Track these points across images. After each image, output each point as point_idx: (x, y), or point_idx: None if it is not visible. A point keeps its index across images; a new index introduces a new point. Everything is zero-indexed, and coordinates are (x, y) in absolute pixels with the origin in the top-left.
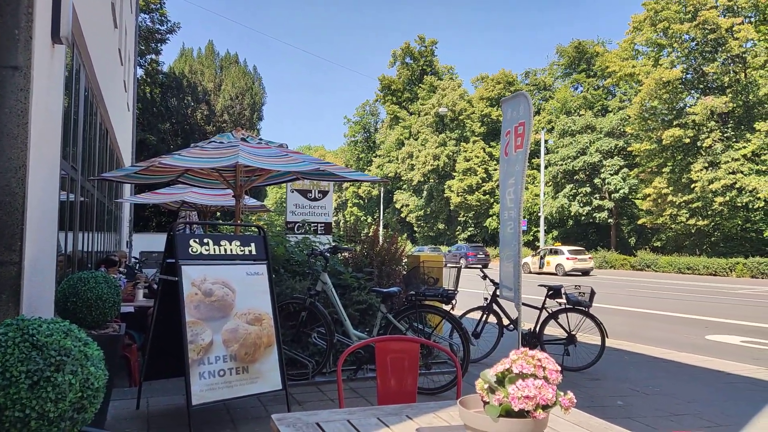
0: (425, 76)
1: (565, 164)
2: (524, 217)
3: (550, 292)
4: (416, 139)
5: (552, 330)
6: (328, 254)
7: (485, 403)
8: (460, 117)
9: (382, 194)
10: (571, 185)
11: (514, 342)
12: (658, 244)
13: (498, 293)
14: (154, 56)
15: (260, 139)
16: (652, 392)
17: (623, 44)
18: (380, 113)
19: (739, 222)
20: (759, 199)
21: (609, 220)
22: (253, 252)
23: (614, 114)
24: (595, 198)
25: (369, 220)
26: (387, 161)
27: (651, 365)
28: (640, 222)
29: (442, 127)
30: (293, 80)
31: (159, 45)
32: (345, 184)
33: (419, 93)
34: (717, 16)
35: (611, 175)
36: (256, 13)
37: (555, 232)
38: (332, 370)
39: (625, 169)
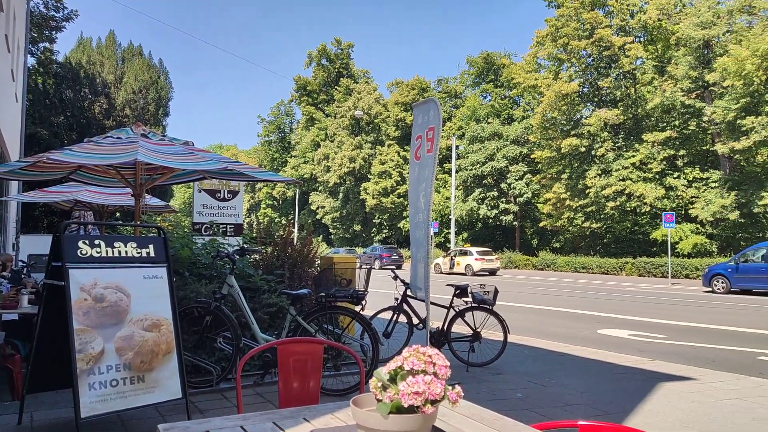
0: (341, 79)
1: (475, 169)
2: (436, 220)
3: (458, 292)
4: (332, 141)
5: (459, 328)
6: (236, 256)
7: (379, 401)
8: (375, 120)
9: (297, 196)
10: (480, 189)
11: (424, 340)
12: (558, 245)
13: (408, 293)
14: (48, 45)
15: (163, 136)
16: (548, 384)
17: (527, 58)
18: (296, 114)
19: (628, 225)
20: (645, 204)
21: (514, 223)
22: (152, 254)
23: (519, 123)
24: (502, 202)
25: (283, 222)
26: (302, 162)
27: (548, 359)
28: (541, 225)
29: (358, 130)
30: (205, 78)
31: (54, 33)
32: (258, 185)
33: (335, 95)
34: (611, 34)
35: (516, 180)
36: (166, 6)
37: (465, 234)
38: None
39: (529, 175)
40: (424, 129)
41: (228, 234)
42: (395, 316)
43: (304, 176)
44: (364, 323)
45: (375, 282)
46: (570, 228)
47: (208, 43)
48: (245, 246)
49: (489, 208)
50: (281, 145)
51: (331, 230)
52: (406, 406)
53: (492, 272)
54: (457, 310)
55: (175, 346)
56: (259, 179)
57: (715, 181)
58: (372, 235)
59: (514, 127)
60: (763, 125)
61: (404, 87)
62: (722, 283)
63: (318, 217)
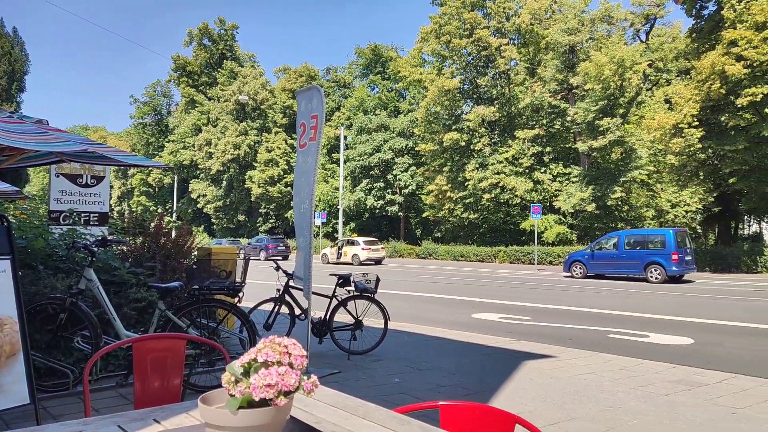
0: (225, 61)
1: (362, 160)
2: (324, 210)
3: (340, 281)
4: (215, 126)
5: (342, 317)
6: (96, 248)
7: (232, 396)
8: (262, 106)
9: (175, 183)
10: (368, 180)
11: (306, 331)
12: (439, 234)
13: (292, 284)
14: None
15: (12, 113)
16: (425, 368)
17: (413, 52)
18: (174, 95)
19: (502, 216)
20: (516, 196)
21: (399, 214)
22: None
23: (405, 116)
24: (388, 193)
25: (159, 211)
26: (182, 147)
27: (426, 343)
28: (424, 215)
29: (244, 116)
30: (71, 52)
31: None
32: (131, 171)
33: (219, 78)
34: (489, 35)
35: (402, 172)
36: None
37: (353, 224)
38: (99, 376)
39: (414, 167)
40: (308, 116)
41: (92, 223)
42: (277, 307)
43: (184, 162)
44: (241, 316)
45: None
46: (450, 218)
47: (73, 14)
48: (107, 237)
49: (376, 198)
50: (157, 128)
51: (213, 220)
52: (257, 399)
53: (378, 261)
54: (340, 299)
55: (21, 347)
56: (126, 164)
57: (576, 176)
58: (257, 225)
59: (400, 119)
60: (617, 126)
61: (292, 74)
62: (580, 268)
63: (199, 206)
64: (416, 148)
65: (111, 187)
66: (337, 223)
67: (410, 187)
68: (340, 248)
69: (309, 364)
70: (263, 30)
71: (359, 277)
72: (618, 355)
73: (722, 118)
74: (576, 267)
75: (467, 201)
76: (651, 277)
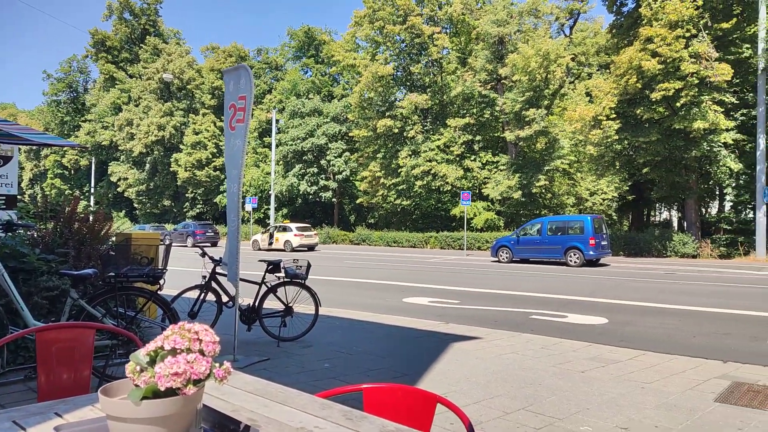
0: (148, 37)
1: (295, 145)
2: (255, 195)
3: (270, 267)
4: (137, 106)
5: (272, 303)
6: (1, 232)
7: (137, 386)
8: (188, 86)
9: (93, 165)
10: (301, 165)
11: (233, 319)
12: (373, 220)
13: (218, 270)
14: None
15: None
16: (355, 352)
17: (347, 36)
18: (92, 72)
19: (433, 202)
20: (448, 183)
21: (333, 200)
22: None
23: (339, 101)
24: (322, 178)
25: (76, 194)
26: (100, 127)
27: (357, 328)
28: (358, 201)
29: (169, 96)
30: None
31: None
32: (45, 151)
33: (141, 54)
34: (422, 23)
35: (335, 157)
36: None
37: (285, 210)
38: (6, 369)
39: (347, 153)
40: (236, 97)
41: None
42: (203, 294)
43: (103, 143)
44: (162, 304)
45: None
46: (384, 205)
47: None
48: (12, 221)
49: (309, 184)
50: (73, 106)
51: (136, 205)
52: (163, 389)
53: (311, 248)
54: (269, 286)
55: None
56: (37, 143)
57: (504, 165)
58: (184, 210)
59: (334, 104)
60: (542, 116)
61: (220, 53)
62: (506, 253)
63: (120, 190)
64: (350, 134)
65: (21, 168)
66: (268, 209)
67: (344, 173)
68: (271, 234)
69: (237, 352)
70: (190, 6)
71: (290, 263)
72: (539, 335)
73: (638, 111)
74: (503, 252)
75: (400, 188)
76: (570, 261)
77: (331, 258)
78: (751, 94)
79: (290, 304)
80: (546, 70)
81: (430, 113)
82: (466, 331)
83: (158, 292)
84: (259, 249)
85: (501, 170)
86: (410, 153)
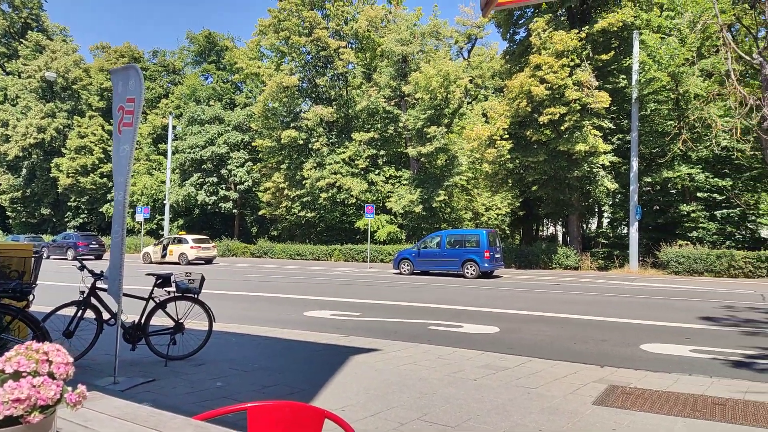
0: (30, 32)
1: (194, 153)
2: (148, 204)
3: (159, 281)
4: (14, 105)
5: (161, 320)
6: None
7: None
8: (74, 86)
9: None
10: (199, 174)
11: (116, 337)
12: (276, 233)
13: (100, 284)
14: None
15: None
16: (251, 369)
17: (250, 44)
18: None
19: (338, 215)
20: (352, 196)
21: (234, 211)
22: None
23: (241, 109)
24: (222, 188)
25: None
26: None
27: (255, 344)
28: (261, 213)
29: (51, 96)
30: None
31: None
32: None
33: (21, 50)
34: (327, 36)
35: (237, 167)
36: None
37: (181, 221)
38: None
39: (250, 163)
40: (124, 99)
41: None
42: (80, 311)
43: None
44: (30, 322)
45: (67, 274)
46: (288, 216)
47: None
48: None
49: (208, 194)
50: None
51: (9, 213)
52: (1, 417)
53: (208, 261)
54: (158, 301)
55: None
56: None
57: (406, 179)
58: (66, 220)
59: (237, 113)
60: (442, 134)
61: (112, 53)
62: (407, 266)
63: None
64: (253, 144)
65: None
66: (162, 220)
67: (246, 184)
68: (165, 246)
69: (119, 374)
70: (80, 2)
71: (181, 277)
72: (436, 345)
73: (528, 133)
74: (404, 264)
75: (305, 199)
76: (467, 273)
77: (230, 271)
78: (626, 121)
79: (181, 321)
80: (446, 90)
81: (336, 126)
82: (366, 343)
83: (26, 309)
84: (151, 262)
85: (404, 185)
86: (315, 165)
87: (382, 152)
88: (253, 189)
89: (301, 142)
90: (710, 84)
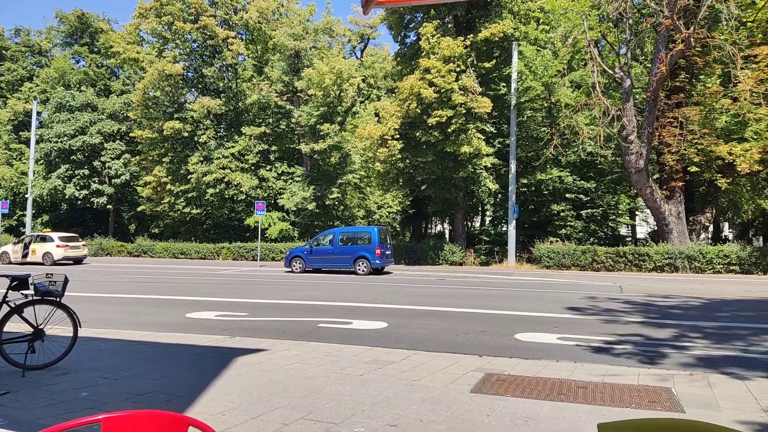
0: None
1: (62, 142)
2: (6, 198)
3: (14, 283)
4: None
5: (17, 326)
6: None
7: None
8: None
9: None
10: (68, 166)
11: None
12: (157, 231)
13: None
14: None
15: None
16: (122, 377)
17: (129, 27)
18: None
19: (226, 211)
20: (242, 192)
21: (109, 206)
22: None
23: (118, 96)
24: (95, 182)
25: None
26: None
27: (129, 349)
28: (140, 209)
29: None
30: None
31: None
32: None
33: None
34: (215, 25)
35: (113, 159)
36: None
37: (46, 217)
38: None
39: (128, 155)
40: None
41: None
42: None
43: None
44: None
45: None
46: (171, 213)
47: None
48: None
49: (78, 188)
50: None
51: None
52: None
53: (78, 261)
54: (13, 306)
55: None
56: None
57: (299, 176)
58: None
59: (113, 100)
60: (335, 132)
61: None
62: (299, 263)
63: None
64: (131, 134)
65: None
66: (24, 216)
67: (123, 177)
68: (27, 245)
69: None
70: None
71: (41, 278)
72: (325, 342)
73: (417, 134)
74: (296, 262)
75: (190, 195)
76: (359, 269)
77: (102, 272)
78: (506, 126)
79: (41, 327)
80: (339, 88)
81: (224, 119)
82: (253, 343)
83: None
84: (10, 263)
85: (296, 181)
86: (202, 159)
87: (274, 148)
88: (132, 183)
89: (186, 134)
90: (578, 95)
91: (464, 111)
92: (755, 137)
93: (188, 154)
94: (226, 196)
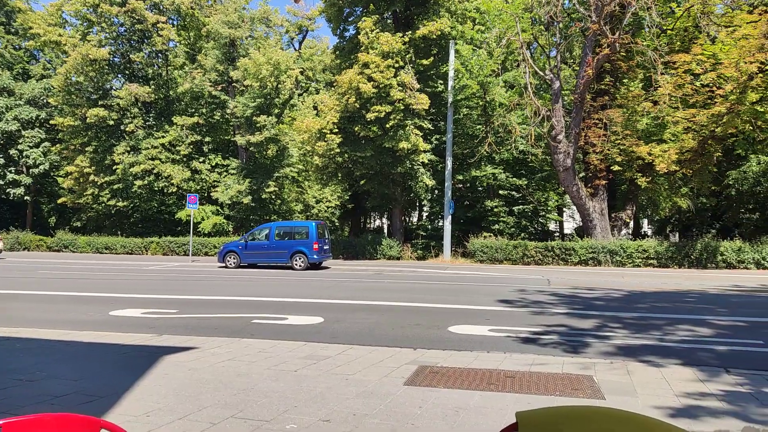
0: None
1: None
2: None
3: None
4: None
5: None
6: None
7: None
8: None
9: None
10: None
11: None
12: (79, 224)
13: None
14: None
15: None
16: (38, 378)
17: (51, 8)
18: None
19: (156, 204)
20: (173, 184)
21: (26, 197)
22: None
23: (37, 81)
24: (11, 172)
25: None
26: None
27: (47, 349)
28: (60, 201)
29: None
30: None
31: None
32: None
33: None
34: (144, 9)
35: (31, 148)
36: None
37: None
38: None
39: (47, 144)
40: None
41: None
42: None
43: None
44: None
45: None
46: (95, 206)
47: None
48: None
49: None
50: None
51: None
52: None
53: None
54: None
55: None
56: None
57: (234, 169)
58: None
59: (32, 85)
60: (272, 124)
61: None
62: (234, 259)
63: None
64: (51, 122)
65: None
66: None
67: (42, 167)
68: None
69: None
70: None
71: None
72: (259, 339)
73: (356, 129)
74: (230, 257)
75: (116, 187)
76: (296, 264)
77: (18, 268)
78: (443, 123)
79: None
80: (277, 80)
81: (154, 108)
82: (182, 341)
83: None
84: None
85: (231, 174)
86: (129, 149)
87: (207, 139)
88: (52, 173)
89: (111, 122)
90: (512, 94)
91: (402, 107)
92: (673, 139)
93: (114, 143)
94: (156, 189)
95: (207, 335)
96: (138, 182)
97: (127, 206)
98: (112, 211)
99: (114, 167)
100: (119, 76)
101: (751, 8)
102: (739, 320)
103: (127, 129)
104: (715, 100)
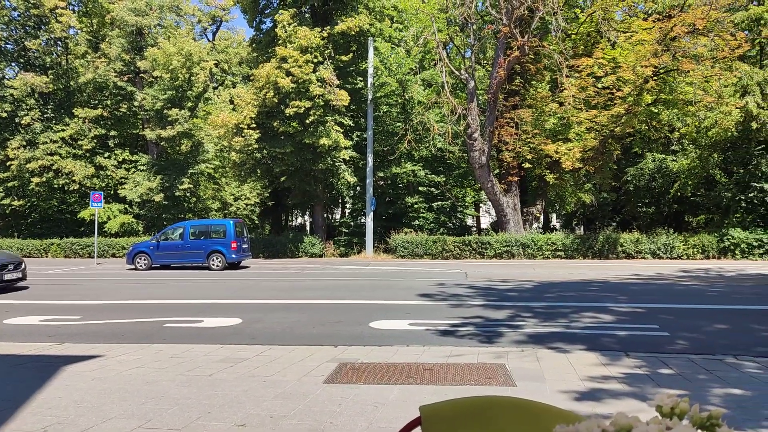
0: None
1: None
2: None
3: None
4: None
5: None
6: None
7: None
8: None
9: None
10: None
11: None
12: None
13: None
14: None
15: None
16: None
17: None
18: None
19: (56, 203)
20: (75, 182)
21: None
22: None
23: None
24: None
25: None
26: None
27: None
28: None
29: None
30: None
31: None
32: None
33: None
34: None
35: None
36: None
37: None
38: None
39: None
40: None
41: None
42: None
43: None
44: None
45: None
46: None
47: None
48: None
49: None
50: None
51: None
52: None
53: None
54: None
55: None
56: None
57: (144, 165)
58: None
59: None
60: (185, 118)
61: None
62: (145, 260)
63: None
64: None
65: None
66: None
67: None
68: None
69: None
70: None
71: None
72: (171, 344)
73: (275, 124)
74: (140, 259)
75: (10, 185)
76: (213, 264)
77: None
78: (363, 120)
79: None
80: (189, 72)
81: (53, 99)
82: (85, 350)
83: None
84: None
85: (141, 170)
86: (24, 144)
87: (113, 133)
88: None
89: (4, 114)
90: (430, 93)
91: (322, 103)
92: (577, 138)
93: (7, 137)
94: (56, 186)
95: (113, 342)
96: (35, 179)
97: (24, 205)
98: (7, 211)
99: (8, 163)
100: (13, 64)
101: (646, 15)
102: (637, 306)
103: (22, 122)
104: (615, 101)
